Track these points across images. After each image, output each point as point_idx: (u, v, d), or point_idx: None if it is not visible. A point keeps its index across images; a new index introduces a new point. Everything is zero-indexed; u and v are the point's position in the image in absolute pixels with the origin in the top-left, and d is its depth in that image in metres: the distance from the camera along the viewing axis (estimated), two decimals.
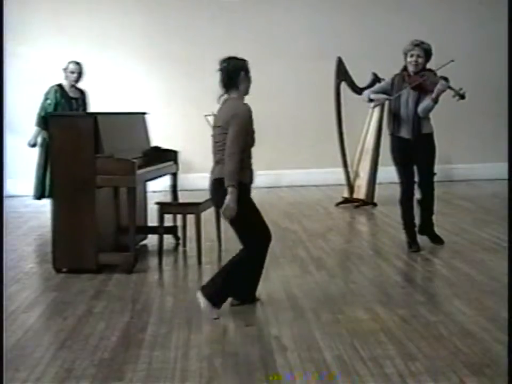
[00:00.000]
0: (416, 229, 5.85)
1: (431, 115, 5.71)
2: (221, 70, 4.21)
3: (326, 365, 3.33)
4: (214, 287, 4.16)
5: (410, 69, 5.64)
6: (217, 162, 4.18)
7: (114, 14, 10.03)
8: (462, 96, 5.55)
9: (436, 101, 5.53)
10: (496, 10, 9.50)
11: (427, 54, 5.63)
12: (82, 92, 7.33)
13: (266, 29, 10.25)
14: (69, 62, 7.27)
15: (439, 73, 5.69)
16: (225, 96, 4.26)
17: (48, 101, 7.10)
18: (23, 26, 9.82)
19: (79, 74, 7.22)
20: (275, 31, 10.27)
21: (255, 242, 4.21)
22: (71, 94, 7.22)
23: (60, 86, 7.21)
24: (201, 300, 4.12)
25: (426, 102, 5.56)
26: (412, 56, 5.62)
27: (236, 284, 4.22)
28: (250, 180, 4.25)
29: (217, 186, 4.15)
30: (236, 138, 4.06)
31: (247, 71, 4.23)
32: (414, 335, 3.72)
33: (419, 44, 5.61)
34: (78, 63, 7.25)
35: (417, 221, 5.86)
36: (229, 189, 4.02)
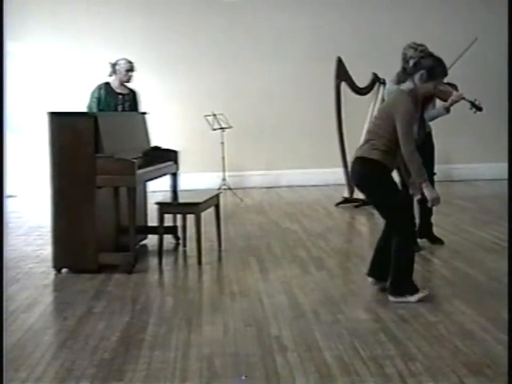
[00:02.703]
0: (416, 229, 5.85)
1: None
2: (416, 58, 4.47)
3: (326, 365, 3.34)
4: (397, 282, 4.30)
5: None
6: (366, 141, 4.37)
7: (114, 14, 10.03)
8: (479, 108, 5.46)
9: (449, 110, 5.52)
10: (496, 9, 9.50)
11: None
12: (132, 91, 7.00)
13: (266, 29, 10.25)
14: (126, 61, 6.89)
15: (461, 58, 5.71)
16: (405, 83, 4.39)
17: (94, 99, 6.80)
18: (22, 24, 9.82)
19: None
20: (275, 31, 10.27)
21: (403, 221, 4.31)
22: (119, 90, 6.89)
23: (106, 83, 6.89)
24: (406, 299, 4.26)
25: (438, 110, 5.53)
26: None
27: (408, 266, 4.33)
28: (392, 167, 4.38)
29: (359, 163, 4.36)
30: (407, 135, 4.18)
31: (430, 75, 4.29)
32: (414, 335, 3.72)
33: (423, 51, 5.58)
34: (131, 62, 6.92)
35: (418, 221, 5.86)
36: (423, 184, 4.23)
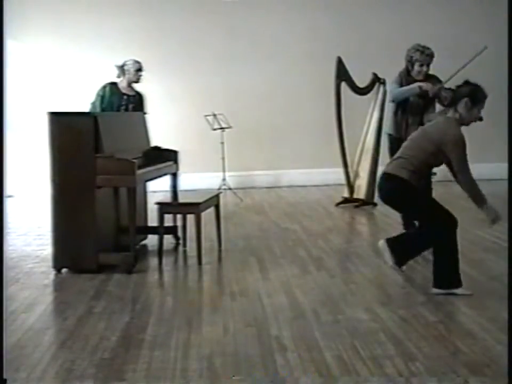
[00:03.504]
0: None
1: None
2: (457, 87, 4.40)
3: (326, 365, 3.33)
4: (401, 246, 4.40)
5: (419, 77, 5.64)
6: (396, 158, 4.45)
7: (113, 14, 10.03)
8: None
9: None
10: (496, 10, 9.50)
11: (432, 59, 5.66)
12: (139, 94, 6.97)
13: (265, 29, 10.25)
14: (134, 61, 6.85)
15: (472, 62, 5.74)
16: (444, 112, 4.42)
17: (98, 97, 6.78)
18: (22, 24, 9.81)
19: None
20: (274, 31, 10.27)
21: (440, 228, 4.34)
22: (125, 91, 6.86)
23: (113, 83, 6.86)
24: (386, 253, 4.38)
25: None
26: (421, 65, 5.62)
27: (453, 258, 4.38)
28: (417, 186, 4.41)
29: (385, 180, 4.45)
30: (464, 164, 4.27)
31: (474, 101, 4.32)
32: (414, 335, 3.72)
33: (429, 54, 5.61)
34: (139, 62, 6.88)
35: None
36: (484, 207, 4.36)
